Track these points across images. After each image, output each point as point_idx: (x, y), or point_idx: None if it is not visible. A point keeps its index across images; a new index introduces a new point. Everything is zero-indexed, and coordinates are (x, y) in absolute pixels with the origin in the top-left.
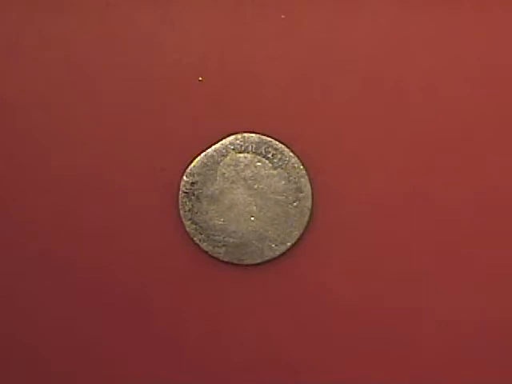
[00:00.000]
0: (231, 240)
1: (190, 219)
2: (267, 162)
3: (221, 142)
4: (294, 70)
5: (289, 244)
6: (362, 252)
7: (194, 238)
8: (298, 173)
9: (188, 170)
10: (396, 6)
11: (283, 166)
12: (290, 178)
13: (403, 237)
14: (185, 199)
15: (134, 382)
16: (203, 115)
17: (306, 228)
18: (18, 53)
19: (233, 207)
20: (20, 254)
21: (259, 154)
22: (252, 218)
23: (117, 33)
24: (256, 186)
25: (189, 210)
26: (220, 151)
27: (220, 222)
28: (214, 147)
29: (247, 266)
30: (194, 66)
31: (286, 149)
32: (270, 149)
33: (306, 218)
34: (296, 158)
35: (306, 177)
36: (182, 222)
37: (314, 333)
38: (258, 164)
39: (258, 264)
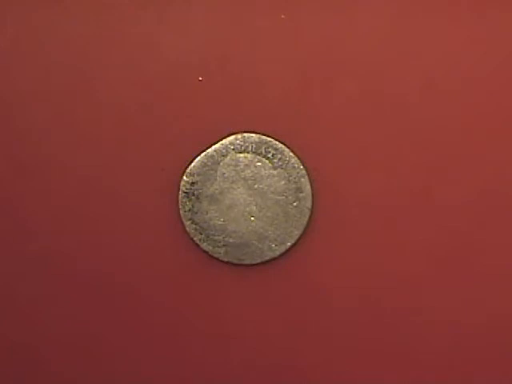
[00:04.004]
0: (231, 240)
1: (190, 219)
2: (267, 162)
3: (221, 142)
4: (294, 69)
5: (289, 244)
6: (362, 252)
7: (194, 238)
8: (298, 173)
9: (188, 170)
10: (396, 6)
11: (283, 166)
12: (290, 178)
13: (403, 237)
14: (185, 199)
15: (133, 382)
16: (203, 115)
17: (306, 228)
18: (18, 53)
19: (233, 207)
20: (20, 254)
21: (259, 154)
22: (252, 218)
23: (116, 33)
24: (256, 186)
25: (189, 210)
26: (220, 151)
27: (220, 222)
28: (214, 147)
29: (247, 265)
30: (194, 66)
31: (286, 149)
32: (270, 149)
33: (306, 218)
34: (296, 158)
35: (306, 177)
36: (182, 222)
37: (314, 333)
38: (258, 164)
39: (258, 264)
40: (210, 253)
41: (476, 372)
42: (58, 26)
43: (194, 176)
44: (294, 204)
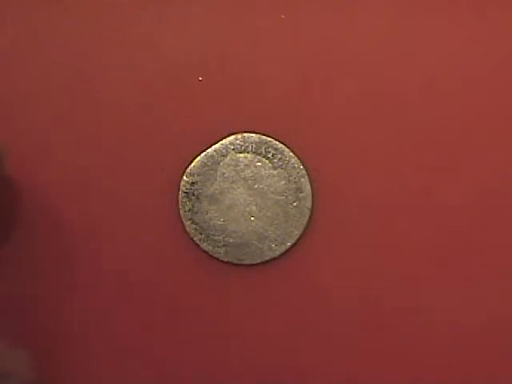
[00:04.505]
0: (231, 240)
1: (190, 219)
2: (267, 162)
3: (221, 142)
4: (294, 69)
5: (289, 244)
6: (362, 252)
7: (194, 238)
8: (298, 173)
9: (188, 170)
10: (396, 6)
11: (283, 166)
12: (290, 178)
13: (403, 237)
14: (185, 199)
15: (133, 380)
16: (203, 115)
17: (306, 228)
18: (18, 53)
19: (233, 207)
20: (19, 253)
21: (259, 154)
22: (252, 218)
23: (116, 33)
24: (256, 186)
25: (189, 210)
26: (220, 151)
27: (220, 222)
28: (214, 147)
29: (247, 265)
30: (194, 66)
31: (286, 149)
32: (270, 149)
33: (306, 218)
34: (296, 158)
35: (306, 177)
36: (182, 222)
37: (314, 333)
38: (258, 164)
39: (258, 264)
40: (210, 253)
41: (476, 372)
42: (58, 26)
43: (194, 176)
44: (294, 204)
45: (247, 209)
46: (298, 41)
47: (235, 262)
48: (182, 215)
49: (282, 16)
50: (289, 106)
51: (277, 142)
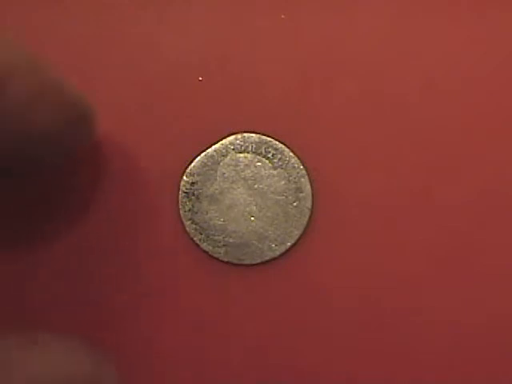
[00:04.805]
0: (231, 240)
1: (190, 219)
2: (267, 162)
3: (221, 142)
4: (294, 69)
5: (289, 244)
6: (362, 252)
7: (194, 238)
8: (298, 173)
9: (188, 170)
10: (396, 6)
11: (283, 166)
12: (290, 178)
13: (403, 237)
14: (185, 199)
15: (133, 380)
16: (203, 115)
17: (306, 228)
18: None
19: (233, 207)
20: (19, 254)
21: (259, 154)
22: (252, 218)
23: (116, 33)
24: (256, 186)
25: (189, 210)
26: (220, 151)
27: (220, 222)
28: (214, 147)
29: (247, 265)
30: (194, 66)
31: (286, 149)
32: (270, 149)
33: (306, 218)
34: (296, 158)
35: (306, 177)
36: (182, 222)
37: (314, 333)
38: (258, 164)
39: (258, 264)
40: (210, 253)
41: (476, 372)
42: (58, 26)
43: (194, 176)
44: (294, 204)
45: (247, 209)
46: (298, 41)
47: (235, 261)
48: (182, 215)
49: (282, 16)
50: (289, 105)
51: (277, 142)
